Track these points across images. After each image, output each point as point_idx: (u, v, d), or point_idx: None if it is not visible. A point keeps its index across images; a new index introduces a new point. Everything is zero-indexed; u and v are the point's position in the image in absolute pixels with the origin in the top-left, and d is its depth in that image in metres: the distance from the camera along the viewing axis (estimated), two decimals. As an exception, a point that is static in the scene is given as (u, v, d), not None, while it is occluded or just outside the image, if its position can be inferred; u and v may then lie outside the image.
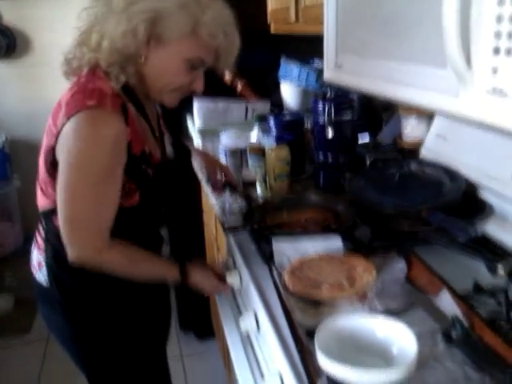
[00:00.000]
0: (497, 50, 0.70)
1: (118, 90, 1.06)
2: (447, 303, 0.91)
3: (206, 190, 1.77)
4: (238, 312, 1.26)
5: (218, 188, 1.61)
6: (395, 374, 0.67)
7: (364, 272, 1.02)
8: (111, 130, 0.99)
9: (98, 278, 1.14)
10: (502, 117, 0.74)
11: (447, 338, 0.82)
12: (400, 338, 0.76)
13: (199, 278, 1.20)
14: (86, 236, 1.04)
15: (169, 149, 1.27)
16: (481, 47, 0.73)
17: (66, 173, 1.01)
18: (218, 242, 1.88)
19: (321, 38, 1.66)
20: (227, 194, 1.58)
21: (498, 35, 0.69)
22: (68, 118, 0.99)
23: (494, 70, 0.73)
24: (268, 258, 1.17)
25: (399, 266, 1.07)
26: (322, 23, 1.44)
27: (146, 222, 1.21)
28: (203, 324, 2.48)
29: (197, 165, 1.62)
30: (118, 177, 1.04)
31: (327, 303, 0.97)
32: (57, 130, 1.01)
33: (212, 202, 1.73)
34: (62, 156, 1.02)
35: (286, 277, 1.04)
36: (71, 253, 1.05)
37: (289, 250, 1.13)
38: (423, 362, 0.74)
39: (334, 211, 1.41)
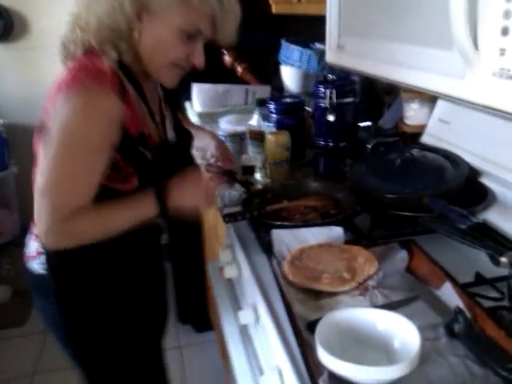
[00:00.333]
0: (505, 31, 0.67)
1: (116, 69, 1.03)
2: (449, 295, 0.89)
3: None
4: (236, 304, 1.23)
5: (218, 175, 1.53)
6: (398, 370, 0.64)
7: (365, 263, 1.00)
8: (103, 104, 0.97)
9: (95, 268, 1.12)
10: (509, 100, 0.71)
11: (450, 331, 0.79)
12: (402, 331, 0.73)
13: (181, 195, 1.08)
14: (56, 209, 0.98)
15: (170, 133, 1.23)
16: (488, 27, 0.69)
17: (48, 143, 0.98)
18: (217, 230, 1.85)
19: (322, 19, 1.63)
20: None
21: (506, 14, 0.66)
22: (65, 98, 0.97)
23: (502, 52, 0.70)
24: (267, 248, 1.15)
25: (400, 256, 1.04)
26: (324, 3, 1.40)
27: None
28: (201, 317, 2.46)
29: (201, 145, 1.54)
30: (102, 154, 1.00)
31: (327, 295, 0.94)
32: (54, 111, 0.99)
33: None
34: (52, 128, 0.99)
35: (286, 267, 1.02)
36: (42, 231, 0.99)
37: (288, 238, 1.10)
38: (426, 356, 0.72)
39: (334, 198, 1.38)
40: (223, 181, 1.42)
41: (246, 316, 1.07)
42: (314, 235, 1.11)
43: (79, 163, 0.98)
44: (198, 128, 1.61)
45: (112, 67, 1.02)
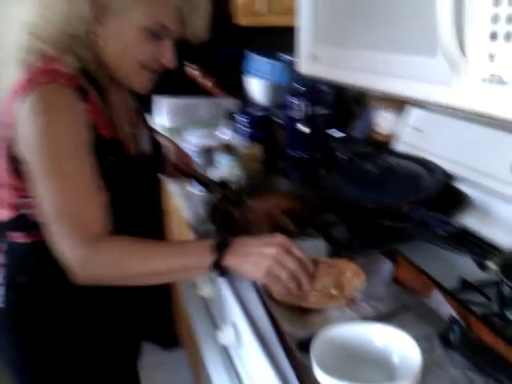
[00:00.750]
0: (494, 36, 0.66)
1: (76, 74, 0.95)
2: (440, 303, 0.87)
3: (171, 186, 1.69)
4: (212, 323, 1.18)
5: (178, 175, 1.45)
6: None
7: (353, 277, 0.97)
8: (66, 102, 0.90)
9: (60, 302, 1.03)
10: (499, 106, 0.70)
11: (445, 341, 0.77)
12: (400, 345, 0.71)
13: (243, 258, 0.87)
14: (76, 228, 0.87)
15: (146, 147, 1.13)
16: (476, 33, 0.69)
17: (38, 159, 0.89)
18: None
19: (288, 30, 1.61)
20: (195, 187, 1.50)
21: (495, 19, 0.65)
22: (23, 101, 0.89)
23: (491, 57, 0.69)
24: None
25: (386, 267, 1.02)
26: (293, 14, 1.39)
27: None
28: (167, 333, 2.37)
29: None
30: (85, 151, 0.91)
31: (315, 311, 0.91)
32: (13, 119, 0.91)
33: (180, 203, 1.65)
34: (26, 145, 0.90)
35: None
36: (70, 258, 0.87)
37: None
38: (425, 369, 0.70)
39: (305, 200, 1.33)
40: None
41: (226, 336, 1.03)
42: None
43: (72, 167, 0.89)
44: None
45: (72, 72, 0.94)
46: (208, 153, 1.70)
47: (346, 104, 1.84)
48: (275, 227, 1.20)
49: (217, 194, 1.36)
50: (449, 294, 0.90)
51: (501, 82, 0.67)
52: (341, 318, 0.88)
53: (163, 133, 2.04)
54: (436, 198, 1.22)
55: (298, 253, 0.88)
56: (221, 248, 0.87)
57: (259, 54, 2.00)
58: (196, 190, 1.51)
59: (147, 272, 0.89)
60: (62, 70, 0.93)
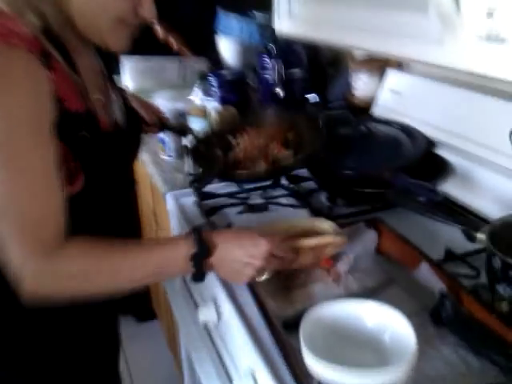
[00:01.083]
0: (497, -12, 0.60)
1: (37, 34, 0.77)
2: (428, 276, 0.84)
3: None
4: (191, 300, 1.13)
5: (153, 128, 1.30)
6: (398, 373, 0.58)
7: (331, 250, 0.92)
8: (20, 66, 0.71)
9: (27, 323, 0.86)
10: (497, 66, 0.65)
11: (436, 318, 0.74)
12: (392, 324, 0.67)
13: (224, 261, 0.80)
14: (28, 233, 0.70)
15: (118, 115, 0.96)
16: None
17: None
18: (156, 216, 1.73)
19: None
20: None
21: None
22: None
23: (490, 12, 0.63)
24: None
25: (369, 236, 0.98)
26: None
27: (95, 214, 0.88)
28: (143, 306, 2.32)
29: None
30: (46, 133, 0.73)
31: (300, 285, 0.87)
32: None
33: (149, 168, 1.58)
34: None
35: None
36: (18, 269, 0.70)
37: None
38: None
39: (296, 126, 1.23)
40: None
41: (205, 313, 0.98)
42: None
43: (29, 156, 0.71)
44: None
45: (32, 32, 0.76)
46: (179, 117, 1.62)
47: (321, 66, 1.77)
48: (272, 161, 1.13)
49: (196, 137, 1.27)
50: (437, 266, 0.86)
51: (499, 39, 0.61)
52: (326, 294, 0.84)
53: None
54: (418, 164, 1.18)
55: (281, 254, 0.83)
56: (200, 259, 0.77)
57: (230, 11, 1.89)
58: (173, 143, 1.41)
59: (116, 284, 0.77)
60: (18, 30, 0.75)
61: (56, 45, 0.81)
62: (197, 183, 1.21)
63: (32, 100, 0.71)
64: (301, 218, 1.06)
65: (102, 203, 0.87)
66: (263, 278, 0.82)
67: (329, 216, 1.12)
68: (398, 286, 0.86)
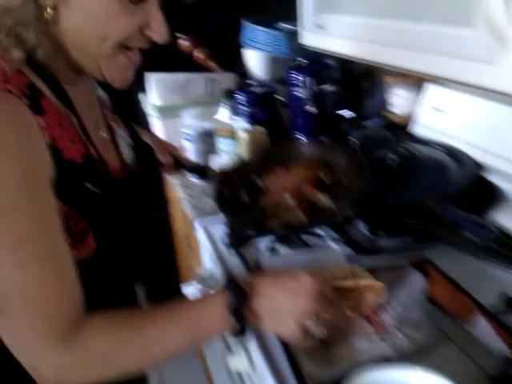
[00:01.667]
0: None
1: (22, 67, 0.66)
2: (486, 333, 0.75)
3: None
4: (225, 343, 1.06)
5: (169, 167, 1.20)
6: None
7: (373, 298, 0.83)
8: (6, 118, 0.60)
9: None
10: None
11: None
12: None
13: (265, 312, 0.68)
14: (41, 320, 0.60)
15: (126, 154, 0.86)
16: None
17: None
18: (188, 239, 1.67)
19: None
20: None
21: None
22: None
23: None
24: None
25: (416, 282, 0.89)
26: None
27: (110, 277, 0.78)
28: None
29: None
30: (44, 191, 0.62)
31: (340, 340, 0.79)
32: None
33: (178, 192, 1.52)
34: None
35: None
36: (44, 365, 0.60)
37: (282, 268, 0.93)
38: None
39: (328, 163, 1.07)
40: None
41: (236, 362, 0.91)
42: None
43: (26, 227, 0.59)
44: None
45: (16, 66, 0.65)
46: (206, 138, 1.55)
47: (354, 79, 1.68)
48: (308, 206, 0.98)
49: (218, 179, 1.14)
50: (495, 319, 0.77)
51: None
52: (370, 352, 0.76)
53: (154, 113, 1.89)
54: (466, 192, 1.09)
55: (329, 292, 0.72)
56: (238, 310, 0.66)
57: (256, 23, 1.81)
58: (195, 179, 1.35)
59: (147, 359, 0.67)
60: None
61: (45, 78, 0.69)
62: (234, 243, 1.07)
63: (21, 159, 0.60)
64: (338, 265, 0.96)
65: (118, 262, 0.77)
66: (319, 332, 0.70)
67: (371, 250, 1.04)
68: (451, 343, 0.77)
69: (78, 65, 0.71)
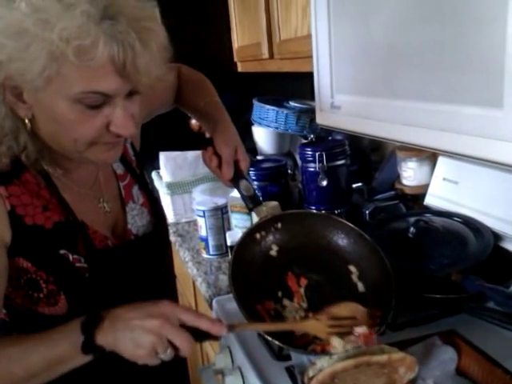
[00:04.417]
0: None
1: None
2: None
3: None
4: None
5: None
6: None
7: (406, 372, 0.80)
8: None
9: None
10: None
11: None
12: None
13: (116, 334, 0.69)
14: None
15: (137, 224, 0.96)
16: None
17: None
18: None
19: (295, 76, 1.49)
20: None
21: None
22: None
23: None
24: (280, 355, 0.95)
25: (446, 355, 0.86)
26: (304, 58, 1.28)
27: None
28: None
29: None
30: None
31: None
32: None
33: (190, 269, 1.50)
34: None
35: None
36: None
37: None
38: None
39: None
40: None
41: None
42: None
43: None
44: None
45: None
46: (220, 213, 1.55)
47: (364, 153, 1.71)
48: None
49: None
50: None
51: None
52: None
53: (164, 190, 1.90)
54: (486, 262, 1.08)
55: (190, 319, 0.71)
56: (90, 326, 0.69)
57: (265, 102, 1.87)
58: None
59: (9, 378, 0.70)
60: None
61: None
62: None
63: None
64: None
65: None
66: (168, 353, 0.69)
67: (396, 325, 1.01)
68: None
69: (68, 155, 0.82)
